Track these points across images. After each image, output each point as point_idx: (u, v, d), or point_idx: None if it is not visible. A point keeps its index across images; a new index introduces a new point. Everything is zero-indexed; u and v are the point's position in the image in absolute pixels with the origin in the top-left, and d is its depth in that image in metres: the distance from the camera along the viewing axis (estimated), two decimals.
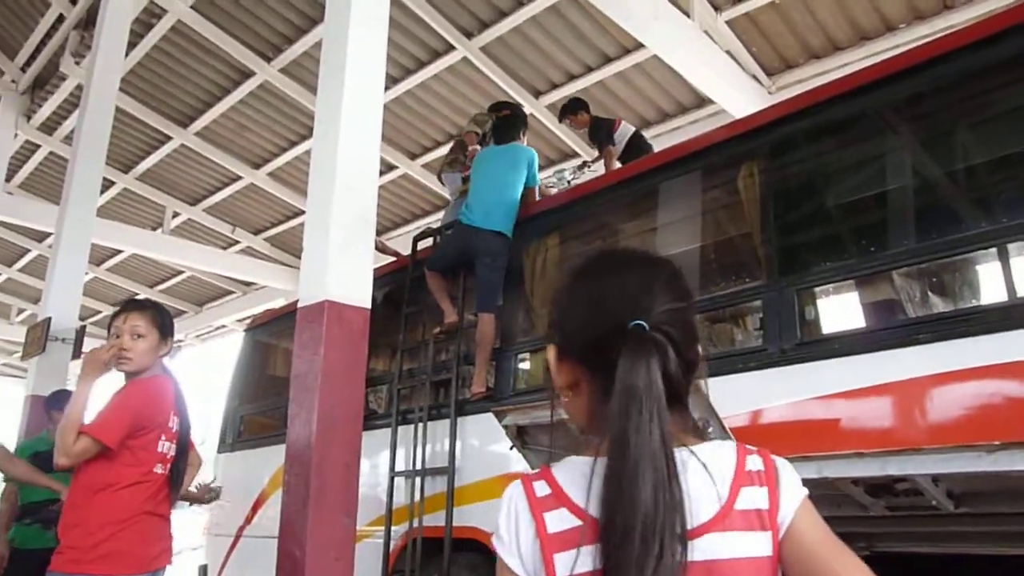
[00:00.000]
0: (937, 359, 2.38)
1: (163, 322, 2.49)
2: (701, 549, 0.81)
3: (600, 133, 6.05)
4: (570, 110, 6.24)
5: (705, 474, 0.85)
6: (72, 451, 2.24)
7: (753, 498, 0.85)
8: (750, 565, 0.82)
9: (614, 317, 0.88)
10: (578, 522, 0.84)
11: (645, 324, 0.86)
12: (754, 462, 0.89)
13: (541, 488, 0.90)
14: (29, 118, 9.67)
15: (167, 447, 2.43)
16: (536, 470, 0.94)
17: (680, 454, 0.84)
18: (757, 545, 0.83)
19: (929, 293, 2.89)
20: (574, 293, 0.96)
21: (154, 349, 2.45)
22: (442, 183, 6.39)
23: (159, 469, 2.39)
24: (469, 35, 7.62)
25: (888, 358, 2.49)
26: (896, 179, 2.90)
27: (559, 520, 0.86)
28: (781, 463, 0.90)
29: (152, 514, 2.36)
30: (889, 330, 2.66)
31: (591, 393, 0.91)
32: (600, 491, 0.82)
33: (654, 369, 0.83)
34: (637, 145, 5.93)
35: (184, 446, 2.50)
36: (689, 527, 0.80)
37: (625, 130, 6.03)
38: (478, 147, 5.51)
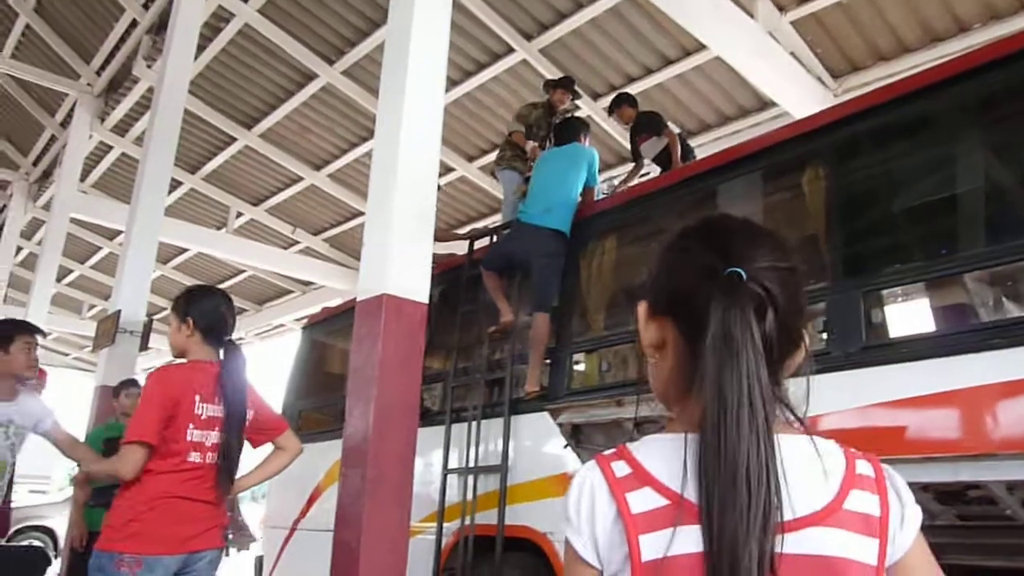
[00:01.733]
0: (1012, 365, 2.28)
1: (176, 304, 2.56)
2: (800, 542, 0.75)
3: (647, 127, 6.02)
4: (615, 104, 6.27)
5: (812, 461, 0.80)
6: (127, 469, 2.34)
7: (864, 502, 0.80)
8: (860, 570, 0.77)
9: (709, 264, 0.82)
10: (665, 501, 0.78)
11: (742, 272, 0.80)
12: (864, 467, 0.83)
13: (620, 468, 0.83)
14: (103, 120, 10.05)
15: (199, 435, 2.43)
16: (612, 450, 0.87)
17: (780, 435, 0.78)
18: (866, 551, 0.78)
19: (1003, 297, 2.78)
20: (671, 247, 0.90)
21: (176, 332, 2.54)
22: (496, 179, 6.40)
23: (195, 457, 2.42)
24: (528, 37, 7.65)
25: (959, 363, 2.40)
26: (967, 180, 2.80)
27: (643, 500, 0.79)
28: (893, 473, 0.85)
29: (186, 498, 2.39)
30: (960, 335, 2.57)
31: (679, 354, 0.85)
32: (694, 467, 0.77)
33: (750, 316, 0.77)
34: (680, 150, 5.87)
35: (232, 431, 2.49)
36: (791, 516, 0.75)
37: (654, 145, 6.00)
38: (537, 146, 5.52)
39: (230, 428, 2.50)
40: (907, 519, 0.82)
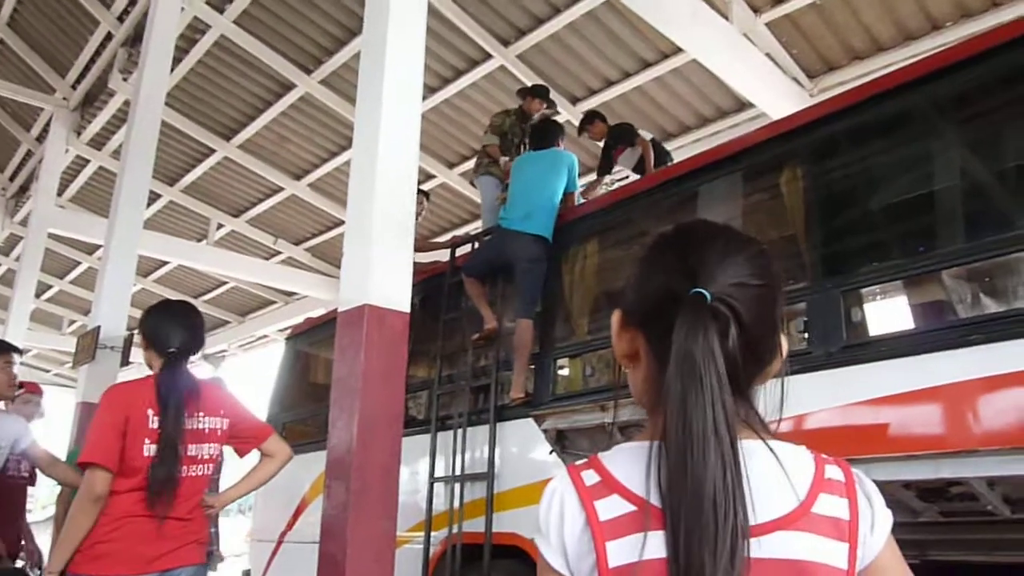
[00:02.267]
0: (991, 361, 2.30)
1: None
2: (767, 546, 0.76)
3: (621, 139, 6.08)
4: (586, 122, 6.36)
5: (776, 468, 0.80)
6: (93, 494, 2.30)
7: (833, 506, 0.80)
8: (830, 574, 0.78)
9: (677, 282, 0.82)
10: (631, 507, 0.80)
11: (706, 293, 0.80)
12: (833, 471, 0.84)
13: (590, 477, 0.85)
14: (79, 134, 9.96)
15: (153, 450, 2.36)
16: (583, 460, 0.89)
17: (745, 443, 0.79)
18: (836, 555, 0.78)
19: (980, 294, 2.81)
20: (646, 258, 0.90)
21: (142, 348, 2.56)
22: (474, 187, 6.41)
23: None
24: (506, 43, 7.66)
25: (938, 360, 2.42)
26: (943, 177, 2.83)
27: (611, 507, 0.81)
28: (864, 477, 0.85)
29: (153, 516, 2.34)
30: (939, 332, 2.59)
31: (649, 364, 0.86)
32: (660, 474, 0.78)
33: (712, 339, 0.78)
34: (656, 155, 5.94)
35: (166, 444, 2.37)
36: (755, 521, 0.75)
37: (630, 156, 6.04)
38: (510, 161, 5.52)
39: (163, 439, 2.38)
40: (877, 523, 0.83)
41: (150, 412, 2.40)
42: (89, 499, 2.32)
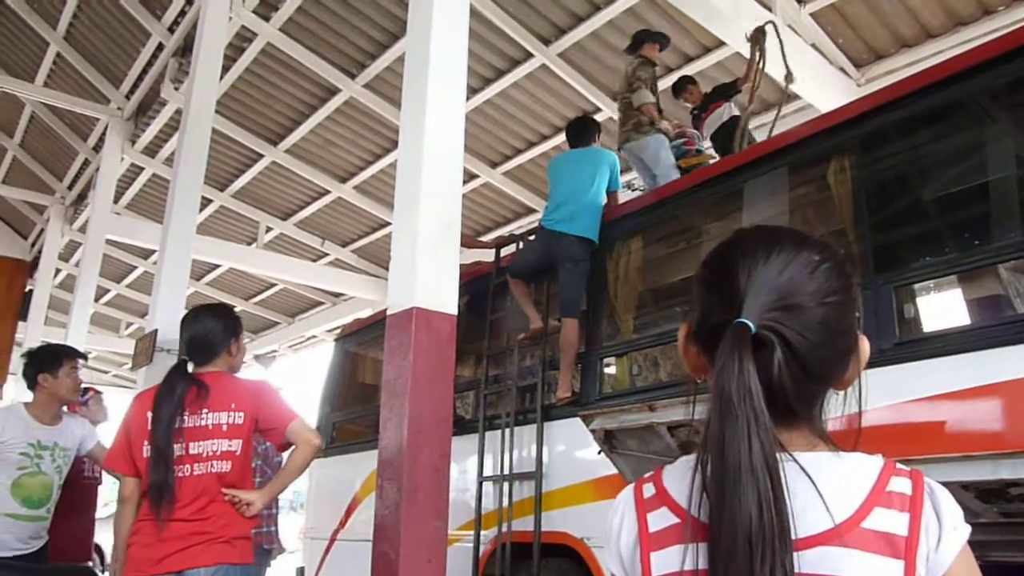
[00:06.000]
0: None
1: None
2: (811, 562, 0.75)
3: (721, 93, 6.04)
4: (685, 82, 6.35)
5: (827, 482, 0.78)
6: (121, 497, 2.49)
7: (888, 521, 0.77)
8: None
9: (722, 310, 0.81)
10: (676, 520, 0.82)
11: (749, 322, 0.79)
12: (900, 484, 0.80)
13: (648, 489, 0.88)
14: (133, 142, 10.23)
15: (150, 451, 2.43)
16: (650, 473, 0.91)
17: (793, 462, 0.79)
18: (884, 573, 0.75)
19: None
20: (700, 276, 0.90)
21: None
22: (620, 153, 5.47)
23: None
24: (547, 42, 7.65)
25: (995, 357, 2.36)
26: (999, 168, 2.76)
27: (659, 519, 0.84)
28: (939, 491, 0.81)
29: (154, 519, 2.38)
30: (996, 327, 2.53)
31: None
32: (702, 490, 0.79)
33: (748, 373, 0.76)
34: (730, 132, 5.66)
35: (153, 446, 2.41)
36: (795, 536, 0.74)
37: (716, 118, 5.93)
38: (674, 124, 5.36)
39: (152, 442, 2.42)
40: (945, 540, 0.78)
41: (149, 415, 2.46)
42: (119, 502, 2.49)
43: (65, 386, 3.55)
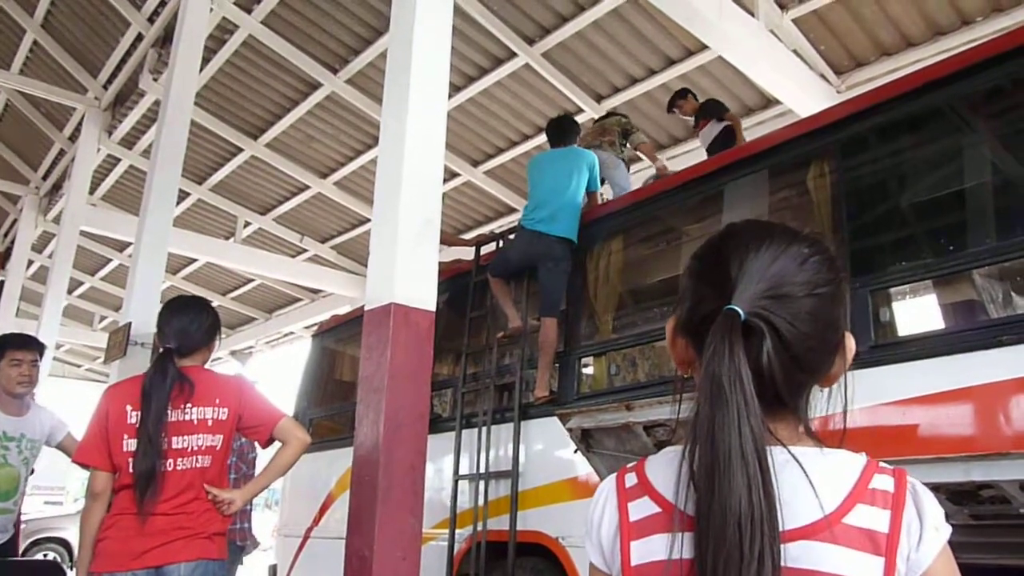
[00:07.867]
0: (1022, 362, 2.27)
1: None
2: (793, 555, 0.75)
3: (708, 112, 6.06)
4: (677, 97, 6.36)
5: (815, 476, 0.78)
6: (91, 492, 2.43)
7: (870, 518, 0.77)
8: None
9: (713, 298, 0.82)
10: (657, 509, 0.83)
11: (739, 309, 0.79)
12: (882, 482, 0.80)
13: (630, 479, 0.88)
14: (110, 133, 10.09)
15: (132, 445, 2.36)
16: (633, 463, 0.91)
17: (780, 454, 0.79)
18: (866, 568, 0.75)
19: (1012, 293, 2.77)
20: (690, 267, 0.90)
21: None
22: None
23: None
24: (531, 41, 7.65)
25: (969, 361, 2.39)
26: (975, 175, 2.79)
27: (640, 508, 0.85)
28: (920, 491, 0.81)
29: (134, 513, 2.33)
30: (969, 332, 2.56)
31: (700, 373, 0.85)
32: (690, 480, 0.79)
33: (739, 359, 0.77)
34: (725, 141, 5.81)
35: (142, 437, 2.35)
36: (782, 529, 0.74)
37: (708, 132, 5.98)
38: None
39: (140, 433, 2.37)
40: (926, 539, 0.78)
41: (129, 408, 2.42)
42: (89, 496, 2.42)
43: (7, 376, 3.44)
